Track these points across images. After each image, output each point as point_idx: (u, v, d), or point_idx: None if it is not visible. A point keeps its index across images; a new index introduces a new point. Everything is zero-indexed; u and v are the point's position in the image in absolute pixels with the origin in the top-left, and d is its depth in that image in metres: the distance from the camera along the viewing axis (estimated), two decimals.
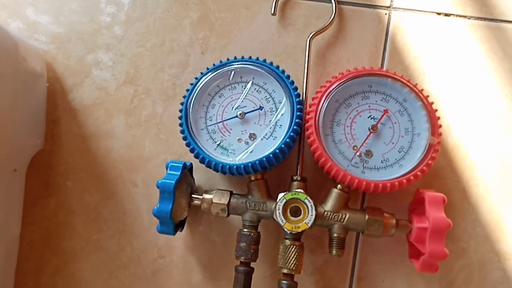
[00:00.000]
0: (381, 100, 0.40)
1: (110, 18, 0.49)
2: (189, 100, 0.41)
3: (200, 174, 0.45)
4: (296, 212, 0.38)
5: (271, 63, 0.41)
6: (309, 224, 0.37)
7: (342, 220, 0.38)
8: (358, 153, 0.39)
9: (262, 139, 0.40)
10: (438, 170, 0.43)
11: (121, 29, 0.48)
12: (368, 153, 0.39)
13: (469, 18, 0.45)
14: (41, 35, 0.49)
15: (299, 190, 0.38)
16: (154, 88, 0.47)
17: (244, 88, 0.41)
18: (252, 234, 0.39)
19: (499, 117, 0.44)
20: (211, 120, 0.41)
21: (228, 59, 0.42)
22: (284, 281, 0.37)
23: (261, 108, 0.41)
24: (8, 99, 0.39)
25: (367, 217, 0.38)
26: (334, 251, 0.38)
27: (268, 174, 0.41)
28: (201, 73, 0.42)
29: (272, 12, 0.46)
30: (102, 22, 0.49)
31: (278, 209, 0.37)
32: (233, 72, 0.41)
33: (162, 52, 0.48)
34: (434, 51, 0.45)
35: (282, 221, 0.37)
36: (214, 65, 0.42)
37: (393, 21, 0.46)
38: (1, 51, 0.38)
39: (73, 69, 0.48)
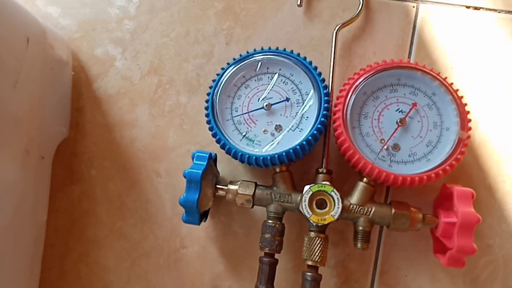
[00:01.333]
0: (410, 93, 0.39)
1: (134, 7, 0.49)
2: (215, 91, 0.41)
3: (224, 165, 0.45)
4: (321, 204, 0.38)
5: (298, 54, 0.41)
6: (336, 217, 0.37)
7: (368, 213, 0.38)
8: (385, 147, 0.38)
9: (288, 131, 0.40)
10: (464, 166, 0.43)
11: (145, 18, 0.48)
12: (396, 147, 0.38)
13: (499, 12, 0.45)
14: (66, 25, 0.49)
15: (325, 182, 0.38)
16: (178, 78, 0.47)
17: (271, 79, 0.41)
18: (277, 225, 0.39)
19: None
20: (236, 111, 0.41)
21: (254, 50, 0.42)
22: (308, 273, 0.37)
23: (287, 99, 0.40)
24: (37, 86, 0.39)
25: (393, 211, 0.38)
26: (359, 244, 0.38)
27: (292, 166, 0.41)
28: (228, 63, 0.41)
29: (298, 3, 0.46)
30: (126, 12, 0.49)
31: (304, 201, 0.37)
32: (260, 63, 0.41)
33: (186, 42, 0.48)
34: (462, 45, 0.45)
35: (308, 213, 0.37)
36: (240, 55, 0.41)
37: (420, 14, 0.46)
38: (31, 38, 0.38)
39: (97, 58, 0.48)
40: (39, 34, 0.41)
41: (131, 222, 0.46)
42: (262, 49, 0.42)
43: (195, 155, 0.40)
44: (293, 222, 0.43)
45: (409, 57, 0.45)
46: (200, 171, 0.38)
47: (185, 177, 0.38)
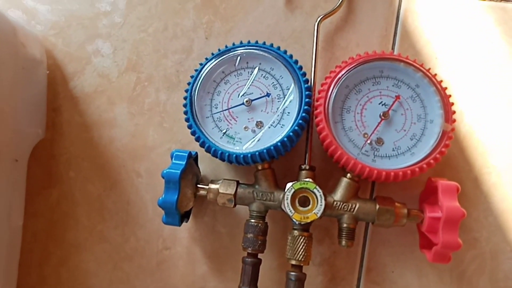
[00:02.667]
0: (393, 85, 0.38)
1: (110, 2, 0.47)
2: (193, 87, 0.39)
3: (206, 164, 0.44)
4: (304, 202, 0.37)
5: (279, 48, 0.40)
6: (319, 215, 0.36)
7: (352, 210, 0.37)
8: (368, 141, 0.37)
9: (269, 127, 0.38)
10: (449, 159, 0.42)
11: (122, 13, 0.47)
12: (379, 141, 0.37)
13: (484, 0, 0.44)
14: (40, 21, 0.47)
15: (308, 179, 0.37)
16: (157, 75, 0.46)
17: (251, 74, 0.40)
18: (259, 224, 0.38)
19: None
20: (216, 108, 0.40)
21: (233, 44, 0.40)
22: (292, 272, 0.36)
23: (268, 95, 0.39)
24: (8, 86, 0.38)
25: (377, 206, 0.37)
26: (343, 242, 0.37)
27: (274, 163, 0.40)
28: (206, 58, 0.40)
29: None
30: (102, 7, 0.47)
31: (287, 199, 0.36)
32: (239, 58, 0.40)
33: (165, 38, 0.46)
34: (447, 34, 0.44)
35: (290, 211, 0.36)
36: (219, 50, 0.40)
37: (404, 3, 0.44)
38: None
39: (73, 56, 0.47)
40: (9, 33, 0.39)
41: (112, 224, 0.44)
42: (241, 43, 0.40)
43: (174, 155, 0.39)
44: (277, 220, 0.42)
45: (393, 47, 0.44)
46: (179, 171, 0.37)
47: (163, 177, 0.37)
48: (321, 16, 0.43)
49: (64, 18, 0.47)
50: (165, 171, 0.37)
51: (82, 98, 0.46)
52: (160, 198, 0.37)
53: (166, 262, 0.44)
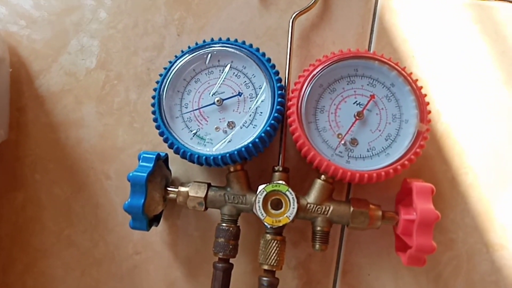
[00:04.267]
0: (368, 84, 0.37)
1: None
2: (162, 86, 0.38)
3: (177, 165, 0.42)
4: (277, 204, 0.36)
5: (251, 45, 0.38)
6: (291, 218, 0.35)
7: (326, 212, 0.36)
8: (342, 142, 0.36)
9: (241, 128, 0.37)
10: (426, 158, 0.41)
11: (90, 9, 0.45)
12: (354, 142, 0.36)
13: None
14: (4, 16, 0.45)
15: (280, 181, 0.36)
16: (127, 73, 0.44)
17: (222, 73, 0.38)
18: (231, 228, 0.36)
19: (491, 102, 0.42)
20: (186, 108, 0.38)
21: (204, 41, 0.39)
22: (264, 278, 0.35)
23: (240, 94, 0.38)
24: None
25: (352, 209, 0.36)
26: (317, 246, 0.36)
27: (248, 164, 0.39)
28: (176, 56, 0.39)
29: None
30: (70, 2, 0.45)
31: (258, 202, 0.35)
32: (209, 55, 0.38)
33: (135, 34, 0.44)
34: (424, 32, 0.43)
35: (262, 214, 0.35)
36: (189, 47, 0.39)
37: (381, 0, 0.43)
38: None
39: (39, 53, 0.45)
40: None
41: (79, 229, 0.43)
42: (212, 40, 0.39)
43: (141, 156, 0.37)
44: (251, 223, 0.41)
45: (369, 45, 0.43)
46: (145, 174, 0.35)
47: (129, 180, 0.35)
48: (296, 13, 0.41)
49: (29, 14, 0.45)
50: (130, 174, 0.35)
51: (48, 97, 0.44)
52: (126, 203, 0.35)
53: (137, 268, 0.42)
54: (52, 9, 0.45)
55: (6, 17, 0.45)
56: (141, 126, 0.43)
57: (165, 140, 0.37)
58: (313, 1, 0.42)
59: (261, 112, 0.37)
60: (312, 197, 0.37)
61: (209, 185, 0.38)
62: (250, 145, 0.35)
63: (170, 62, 0.39)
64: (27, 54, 0.45)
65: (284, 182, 0.36)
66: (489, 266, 0.40)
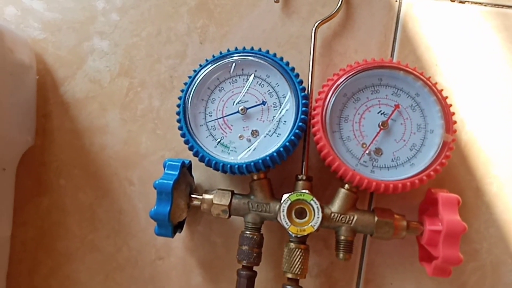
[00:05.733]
0: (392, 94, 0.37)
1: (103, 5, 0.46)
2: (187, 94, 0.38)
3: (200, 172, 0.42)
4: (301, 213, 0.36)
5: (275, 55, 0.38)
6: (316, 227, 0.35)
7: (350, 222, 0.36)
8: (367, 151, 0.36)
9: (265, 136, 0.37)
10: (450, 168, 0.41)
11: (114, 17, 0.46)
12: (378, 151, 0.36)
13: (485, 5, 0.43)
14: (30, 25, 0.46)
15: (304, 190, 0.36)
16: (150, 80, 0.45)
17: (246, 82, 0.39)
18: (255, 237, 0.37)
19: None
20: (210, 116, 0.38)
21: (228, 50, 0.39)
22: (288, 286, 0.35)
23: (264, 103, 0.38)
24: None
25: (376, 219, 0.36)
26: (341, 255, 0.36)
27: (270, 172, 0.39)
28: (200, 65, 0.39)
29: None
30: (94, 10, 0.46)
31: (283, 211, 0.35)
32: (234, 64, 0.38)
33: (158, 42, 0.45)
34: (448, 40, 0.43)
35: (286, 223, 0.35)
36: (213, 56, 0.39)
37: (404, 8, 0.43)
38: None
39: (64, 60, 0.46)
40: None
41: (103, 234, 0.43)
42: (236, 49, 0.39)
43: (167, 164, 0.37)
44: (274, 230, 0.41)
45: (392, 54, 0.43)
46: (171, 182, 0.35)
47: (155, 188, 0.36)
48: (319, 22, 0.42)
49: (55, 22, 0.46)
50: (157, 182, 0.36)
51: (73, 104, 0.45)
52: (152, 210, 0.36)
53: (159, 273, 0.43)
54: (77, 17, 0.46)
55: (32, 26, 0.46)
56: (164, 133, 0.44)
57: (190, 148, 0.37)
58: (335, 10, 0.42)
59: (285, 121, 0.37)
60: (336, 206, 0.37)
61: (232, 193, 0.38)
62: (275, 153, 0.36)
63: (194, 70, 0.39)
64: (53, 62, 0.46)
65: (308, 192, 0.36)
66: None
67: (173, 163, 0.37)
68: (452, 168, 0.41)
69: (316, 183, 0.40)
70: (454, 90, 0.42)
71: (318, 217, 0.35)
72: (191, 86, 0.38)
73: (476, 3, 0.43)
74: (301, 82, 0.37)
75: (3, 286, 0.40)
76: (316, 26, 0.41)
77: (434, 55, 0.43)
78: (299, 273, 0.35)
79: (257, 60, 0.38)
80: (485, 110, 0.42)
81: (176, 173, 0.36)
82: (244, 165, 0.36)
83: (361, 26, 0.43)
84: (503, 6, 0.42)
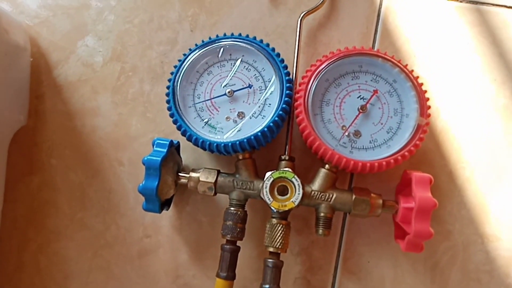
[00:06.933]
0: (371, 80, 0.39)
1: None
2: (176, 77, 0.40)
3: (188, 154, 0.44)
4: (283, 191, 0.38)
5: (261, 41, 0.40)
6: (296, 203, 0.37)
7: (329, 199, 0.38)
8: (346, 133, 0.38)
9: (250, 118, 0.39)
10: (426, 153, 0.43)
11: (108, 4, 0.47)
12: (357, 133, 0.38)
13: (461, 1, 0.45)
14: (25, 10, 0.47)
15: (286, 169, 0.38)
16: (142, 65, 0.46)
17: (233, 66, 0.40)
18: (239, 212, 0.38)
19: (487, 101, 0.44)
20: (199, 98, 0.40)
21: (217, 36, 0.41)
22: (270, 260, 0.37)
23: (250, 86, 0.40)
24: None
25: (354, 197, 0.38)
26: (320, 231, 0.38)
27: (256, 155, 0.41)
28: (190, 49, 0.41)
29: None
30: None
31: (265, 188, 0.37)
32: (222, 49, 0.40)
33: (150, 29, 0.47)
34: (425, 34, 0.45)
35: (269, 199, 0.37)
36: (203, 41, 0.41)
37: (385, 2, 0.46)
38: None
39: (57, 45, 0.47)
40: None
41: (92, 212, 0.45)
42: (225, 35, 0.41)
43: (156, 142, 0.39)
44: (257, 210, 0.43)
45: (373, 45, 0.45)
46: (159, 158, 0.37)
47: (144, 164, 0.37)
48: (304, 13, 0.44)
49: (49, 7, 0.47)
50: (145, 158, 0.37)
51: (65, 86, 0.46)
52: (141, 185, 0.37)
53: (147, 250, 0.44)
54: (71, 3, 0.47)
55: (27, 10, 0.47)
56: (154, 116, 0.45)
57: (178, 128, 0.39)
58: (320, 2, 0.44)
59: (270, 104, 0.39)
60: (316, 185, 0.38)
61: (218, 172, 0.40)
62: (259, 133, 0.37)
63: (184, 54, 0.41)
64: (47, 46, 0.47)
65: (290, 170, 0.38)
66: (484, 256, 0.42)
67: (162, 141, 0.39)
68: (428, 154, 0.43)
69: (299, 166, 0.42)
70: (431, 80, 0.44)
71: (299, 194, 0.37)
72: (181, 69, 0.40)
73: None
74: (286, 67, 0.39)
75: None
76: (302, 17, 0.43)
77: (412, 47, 0.45)
78: (280, 247, 0.37)
79: (244, 45, 0.40)
80: (459, 100, 0.44)
81: (165, 150, 0.38)
82: (230, 144, 0.37)
83: (345, 17, 0.46)
84: (477, 2, 0.45)
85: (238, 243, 0.39)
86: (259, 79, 0.40)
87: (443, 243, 0.42)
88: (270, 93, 0.39)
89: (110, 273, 0.44)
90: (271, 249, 0.37)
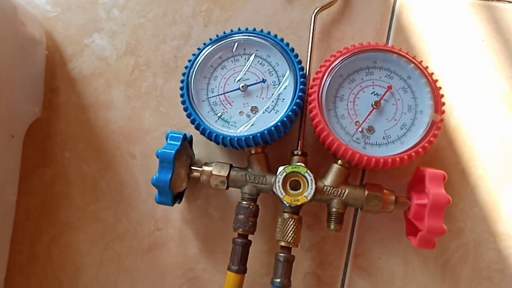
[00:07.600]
0: (385, 76, 0.39)
1: None
2: (191, 71, 0.40)
3: (200, 148, 0.44)
4: (295, 186, 0.38)
5: (275, 36, 0.40)
6: (309, 198, 0.37)
7: (342, 195, 0.38)
8: (360, 129, 0.38)
9: (264, 112, 0.39)
10: (438, 150, 0.43)
11: None
12: (370, 129, 0.38)
13: None
14: (40, 3, 0.48)
15: (299, 163, 0.38)
16: (155, 60, 0.47)
17: (247, 61, 0.41)
18: (251, 206, 0.38)
19: (501, 99, 0.43)
20: (212, 92, 0.40)
21: (231, 31, 0.41)
22: (281, 254, 0.37)
23: (263, 81, 0.40)
24: (6, 62, 0.38)
25: (366, 192, 0.38)
26: (332, 226, 0.38)
27: (268, 150, 0.41)
28: (204, 44, 0.41)
29: None
30: None
31: (278, 182, 0.37)
32: (236, 44, 0.40)
33: (164, 24, 0.47)
34: (440, 30, 0.45)
35: (281, 193, 0.37)
36: (217, 36, 0.41)
37: None
38: (0, 14, 0.37)
39: (72, 38, 0.47)
40: (9, 11, 0.40)
41: (104, 205, 0.45)
42: (239, 29, 0.41)
43: (169, 136, 0.39)
44: (268, 205, 0.43)
45: (387, 41, 0.45)
46: (173, 151, 0.37)
47: (157, 156, 0.37)
48: (318, 8, 0.44)
49: (64, 1, 0.48)
50: (159, 151, 0.37)
51: (79, 80, 0.47)
52: (154, 177, 0.37)
53: (157, 243, 0.44)
54: None
55: (42, 4, 0.48)
56: (167, 110, 0.46)
57: (192, 122, 0.39)
58: None
59: (283, 99, 0.39)
60: (329, 180, 0.38)
61: (231, 166, 0.40)
62: (272, 128, 0.37)
63: (198, 49, 0.41)
64: (62, 39, 0.48)
65: (303, 164, 0.38)
66: (496, 255, 0.41)
67: (176, 134, 0.39)
68: (441, 151, 0.43)
69: (311, 162, 0.42)
70: (444, 78, 0.44)
71: (311, 188, 0.37)
72: (195, 63, 0.40)
73: None
74: (300, 62, 0.39)
75: (7, 249, 0.42)
76: (316, 13, 0.43)
77: (426, 44, 0.45)
78: (291, 241, 0.37)
79: (258, 40, 0.40)
80: (473, 98, 0.44)
81: (178, 143, 0.38)
82: (243, 138, 0.38)
83: (359, 14, 0.46)
84: None
85: (249, 237, 0.39)
86: (272, 74, 0.40)
87: (454, 241, 0.42)
88: (284, 88, 0.39)
89: (121, 265, 0.44)
90: (282, 243, 0.37)
